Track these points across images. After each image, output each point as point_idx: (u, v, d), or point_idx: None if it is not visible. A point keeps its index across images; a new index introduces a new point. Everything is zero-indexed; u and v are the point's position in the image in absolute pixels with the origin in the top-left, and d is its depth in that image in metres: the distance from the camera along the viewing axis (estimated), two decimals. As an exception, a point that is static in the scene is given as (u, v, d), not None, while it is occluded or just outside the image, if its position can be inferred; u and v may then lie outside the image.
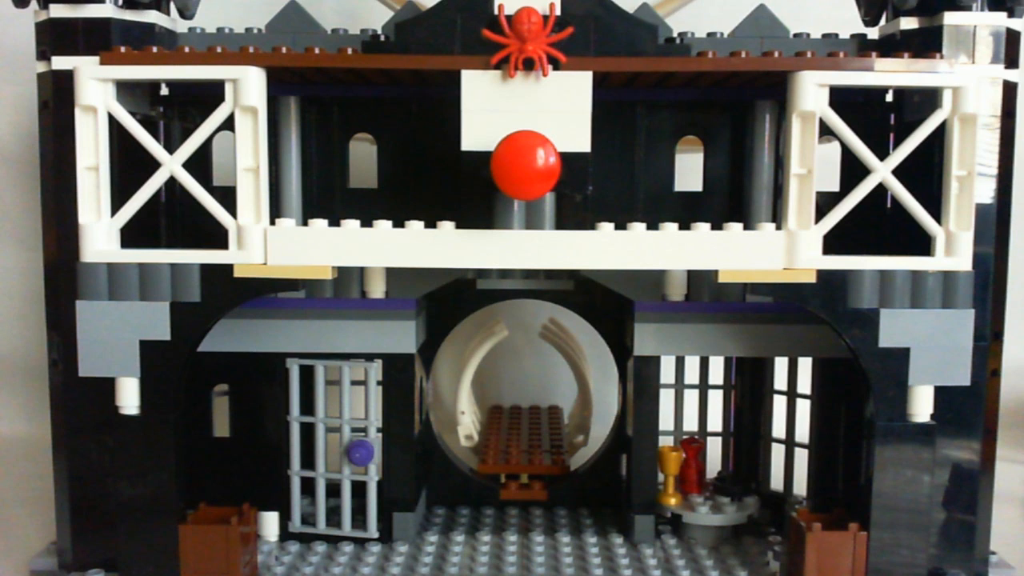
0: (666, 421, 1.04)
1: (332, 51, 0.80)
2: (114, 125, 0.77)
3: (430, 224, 0.77)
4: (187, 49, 0.78)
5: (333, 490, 0.95)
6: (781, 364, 1.06)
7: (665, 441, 1.03)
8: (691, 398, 1.10)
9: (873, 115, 0.89)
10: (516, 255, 0.77)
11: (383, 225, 0.77)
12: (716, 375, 1.10)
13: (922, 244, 0.79)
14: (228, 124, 0.76)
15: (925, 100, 0.82)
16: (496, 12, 0.75)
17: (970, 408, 0.83)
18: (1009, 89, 0.83)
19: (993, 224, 0.83)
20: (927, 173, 0.81)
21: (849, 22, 0.94)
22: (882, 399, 0.79)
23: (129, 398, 0.78)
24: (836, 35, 0.89)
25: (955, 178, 0.77)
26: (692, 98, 0.92)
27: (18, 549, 0.97)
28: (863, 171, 0.78)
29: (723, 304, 0.92)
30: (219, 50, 0.77)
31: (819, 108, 0.75)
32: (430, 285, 0.94)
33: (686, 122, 0.93)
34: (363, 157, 0.97)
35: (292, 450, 0.93)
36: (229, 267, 0.76)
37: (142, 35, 0.83)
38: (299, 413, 0.93)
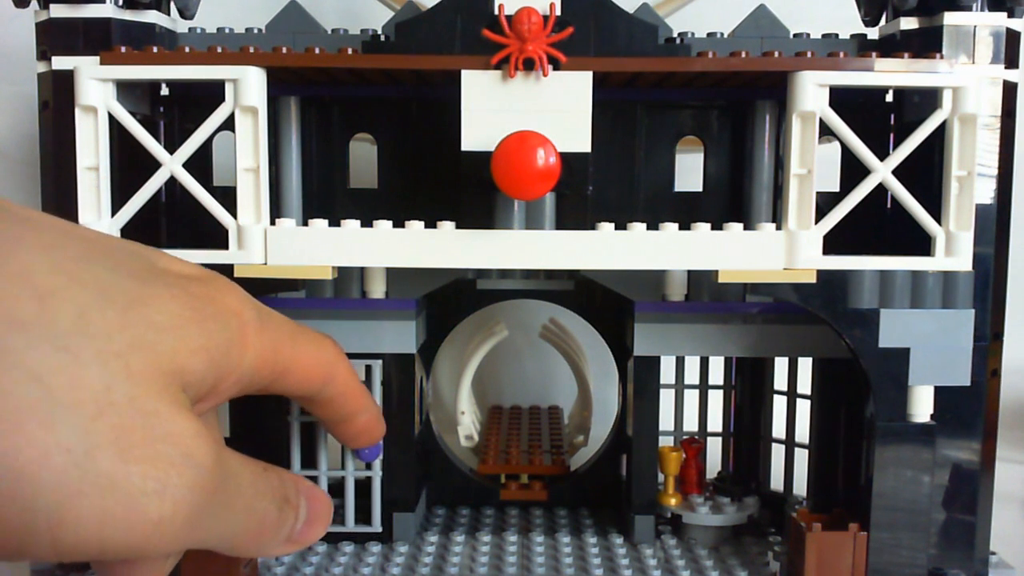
0: (666, 421, 1.04)
1: (332, 51, 0.80)
2: (114, 125, 0.77)
3: (430, 224, 0.77)
4: (187, 49, 0.78)
5: (332, 490, 0.95)
6: (781, 364, 1.06)
7: (665, 441, 1.03)
8: (691, 398, 1.10)
9: (873, 115, 0.89)
10: (516, 255, 0.77)
11: (383, 225, 0.77)
12: (716, 375, 1.10)
13: (922, 244, 0.79)
14: (228, 124, 0.76)
15: (925, 100, 0.82)
16: (496, 12, 0.75)
17: (970, 408, 0.83)
18: (1009, 89, 0.83)
19: (993, 224, 0.83)
20: (927, 173, 0.81)
21: (849, 22, 0.94)
22: (882, 399, 0.80)
23: (129, 398, 0.78)
24: (836, 35, 0.89)
25: (955, 178, 0.77)
26: (692, 98, 0.92)
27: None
28: (863, 171, 0.78)
29: (723, 304, 0.92)
30: (219, 50, 0.77)
31: (819, 108, 0.75)
32: (430, 285, 0.94)
33: (686, 122, 0.93)
34: (363, 157, 0.97)
35: (292, 450, 0.93)
36: (229, 267, 0.76)
37: (142, 35, 0.83)
38: (299, 413, 0.93)
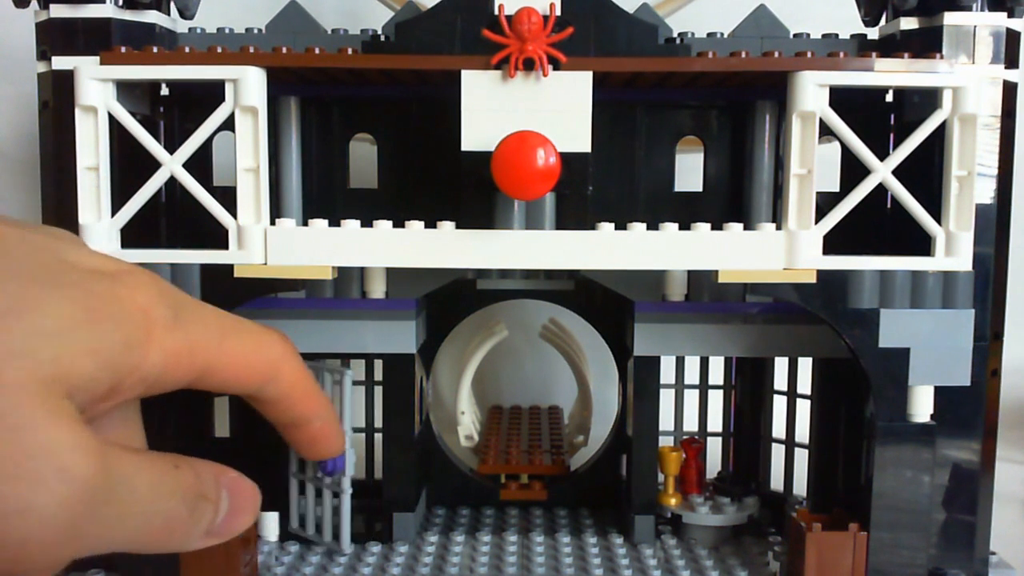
0: (666, 421, 1.04)
1: (332, 51, 0.80)
2: (114, 125, 0.77)
3: (430, 224, 0.77)
4: (187, 49, 0.78)
5: (335, 491, 0.95)
6: (781, 364, 1.06)
7: (665, 441, 1.03)
8: (691, 398, 1.10)
9: (873, 115, 0.89)
10: (516, 255, 0.77)
11: (383, 225, 0.77)
12: (716, 375, 1.10)
13: (922, 244, 0.79)
14: (228, 124, 0.76)
15: (925, 100, 0.82)
16: (496, 12, 0.75)
17: (970, 408, 0.83)
18: (1009, 89, 0.83)
19: (993, 224, 0.83)
20: (927, 173, 0.81)
21: (849, 22, 0.94)
22: (882, 399, 0.80)
23: (129, 398, 0.78)
24: (836, 35, 0.89)
25: (955, 178, 0.77)
26: (692, 98, 0.92)
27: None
28: (863, 171, 0.78)
29: (723, 304, 0.92)
30: (219, 50, 0.77)
31: (819, 108, 0.75)
32: (430, 285, 0.94)
33: (686, 122, 0.93)
34: (363, 157, 0.97)
35: (291, 452, 0.93)
36: (229, 267, 0.76)
37: (142, 35, 0.83)
38: (299, 413, 0.92)
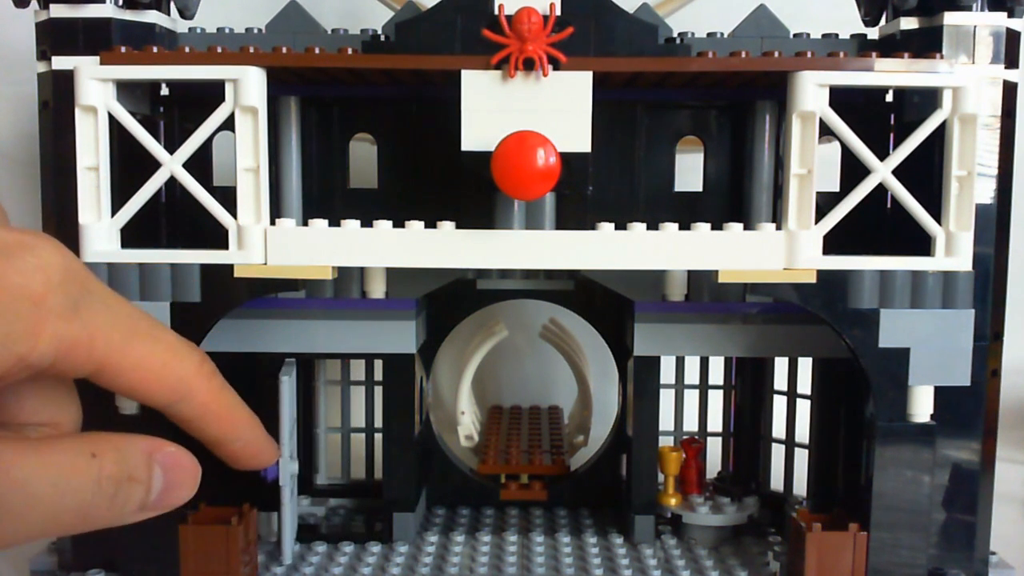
0: (666, 421, 1.04)
1: (332, 51, 0.80)
2: (114, 125, 0.77)
3: (430, 224, 0.77)
4: (187, 49, 0.78)
5: (335, 491, 0.95)
6: (781, 364, 1.06)
7: (665, 441, 1.03)
8: (691, 398, 1.10)
9: (873, 115, 0.89)
10: (516, 255, 0.77)
11: (383, 225, 0.77)
12: (716, 375, 1.10)
13: (922, 244, 0.79)
14: (228, 124, 0.76)
15: (925, 100, 0.82)
16: (496, 12, 0.75)
17: (970, 408, 0.83)
18: (1009, 89, 0.83)
19: (993, 224, 0.83)
20: (927, 173, 0.81)
21: (849, 22, 0.94)
22: (882, 399, 0.80)
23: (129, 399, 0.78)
24: (836, 35, 0.89)
25: (955, 178, 0.77)
26: (692, 98, 0.92)
27: (18, 549, 0.97)
28: (863, 171, 0.78)
29: (723, 304, 0.92)
30: (219, 50, 0.77)
31: (819, 108, 0.75)
32: (430, 285, 0.94)
33: (686, 122, 0.93)
34: (363, 157, 0.97)
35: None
36: (229, 267, 0.76)
37: (142, 35, 0.83)
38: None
